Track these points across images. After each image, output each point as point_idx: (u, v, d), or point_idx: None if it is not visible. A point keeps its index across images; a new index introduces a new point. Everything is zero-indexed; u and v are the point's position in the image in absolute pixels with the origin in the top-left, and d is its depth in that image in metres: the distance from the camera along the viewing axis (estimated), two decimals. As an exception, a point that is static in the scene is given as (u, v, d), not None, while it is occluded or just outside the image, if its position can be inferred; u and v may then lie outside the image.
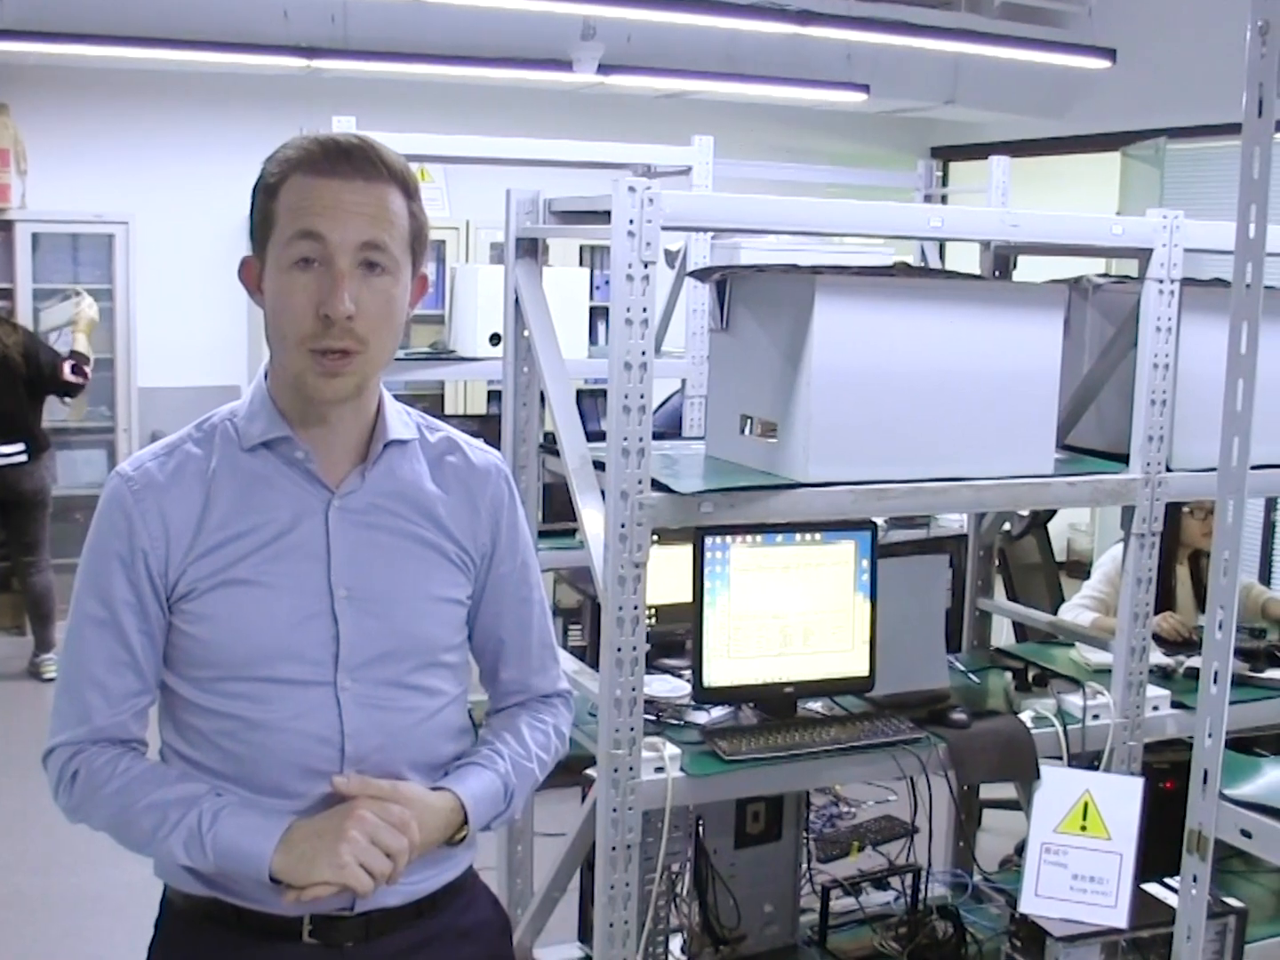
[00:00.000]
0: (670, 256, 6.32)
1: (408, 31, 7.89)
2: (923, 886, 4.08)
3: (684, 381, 6.28)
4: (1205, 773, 2.33)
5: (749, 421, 3.54)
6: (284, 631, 2.04)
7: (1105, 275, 4.31)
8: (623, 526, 3.11)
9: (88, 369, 7.56)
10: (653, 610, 3.91)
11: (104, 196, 8.39)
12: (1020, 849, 4.33)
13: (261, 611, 2.04)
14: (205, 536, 2.03)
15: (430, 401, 8.87)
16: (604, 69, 8.08)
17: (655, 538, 3.19)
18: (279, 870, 1.96)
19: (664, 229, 3.07)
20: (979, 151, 8.40)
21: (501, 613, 2.28)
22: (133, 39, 7.36)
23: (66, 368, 7.40)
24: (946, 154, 10.41)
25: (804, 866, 4.12)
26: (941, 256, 7.15)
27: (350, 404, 2.07)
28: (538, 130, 6.87)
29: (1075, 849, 3.53)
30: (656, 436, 3.16)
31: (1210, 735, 2.29)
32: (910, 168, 7.79)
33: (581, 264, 8.78)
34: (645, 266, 3.06)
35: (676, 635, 3.96)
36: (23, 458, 7.39)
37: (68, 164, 8.34)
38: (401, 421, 2.18)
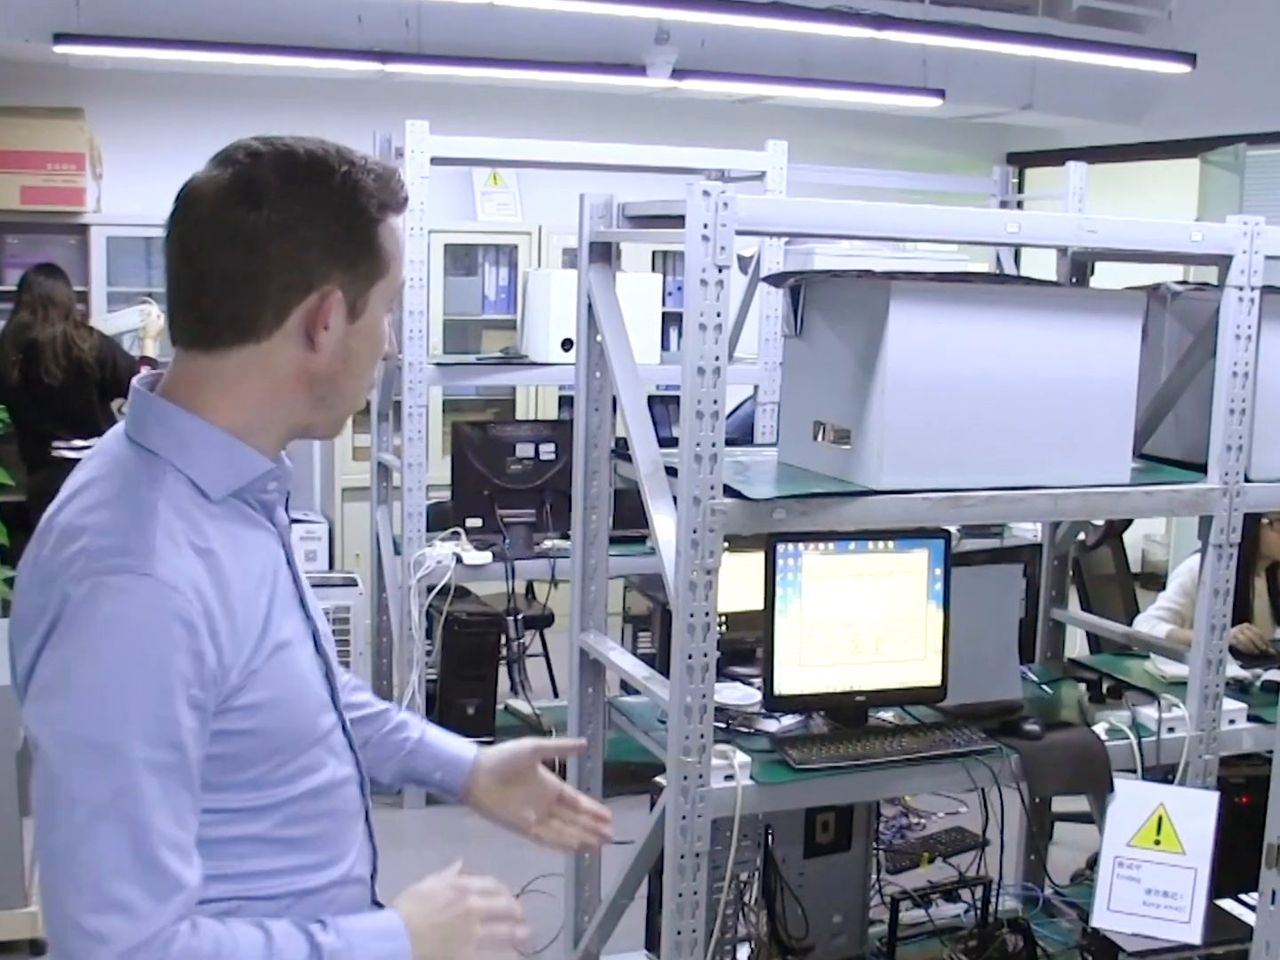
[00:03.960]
0: (743, 262, 6.31)
1: (481, 36, 7.90)
2: (993, 899, 4.04)
3: (756, 388, 6.28)
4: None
5: (822, 428, 3.52)
6: (312, 682, 1.85)
7: (1183, 282, 4.26)
8: (695, 532, 3.10)
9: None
10: (723, 617, 3.90)
11: (178, 200, 8.44)
12: (1092, 863, 4.29)
13: (299, 670, 1.82)
14: (237, 609, 1.71)
15: (502, 407, 8.88)
16: (678, 73, 8.06)
17: (726, 545, 3.17)
18: None
19: (738, 234, 3.05)
20: (1055, 158, 8.33)
21: None
22: (207, 43, 7.40)
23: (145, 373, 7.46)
24: (1022, 160, 10.32)
25: (873, 877, 4.10)
26: (1017, 264, 7.10)
27: None
28: (611, 135, 6.88)
29: (1149, 863, 3.49)
30: (728, 443, 3.15)
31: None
32: (986, 174, 7.75)
33: (654, 270, 8.78)
34: (719, 271, 3.04)
35: (746, 643, 3.95)
36: None
37: (142, 168, 8.36)
38: None
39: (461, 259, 8.79)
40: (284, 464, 1.87)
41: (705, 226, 3.01)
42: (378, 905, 1.98)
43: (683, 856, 3.21)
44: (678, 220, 3.12)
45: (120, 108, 8.32)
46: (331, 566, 7.92)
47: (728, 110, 9.23)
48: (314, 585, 1.95)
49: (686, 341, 3.09)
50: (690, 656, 3.14)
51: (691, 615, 3.13)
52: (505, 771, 2.25)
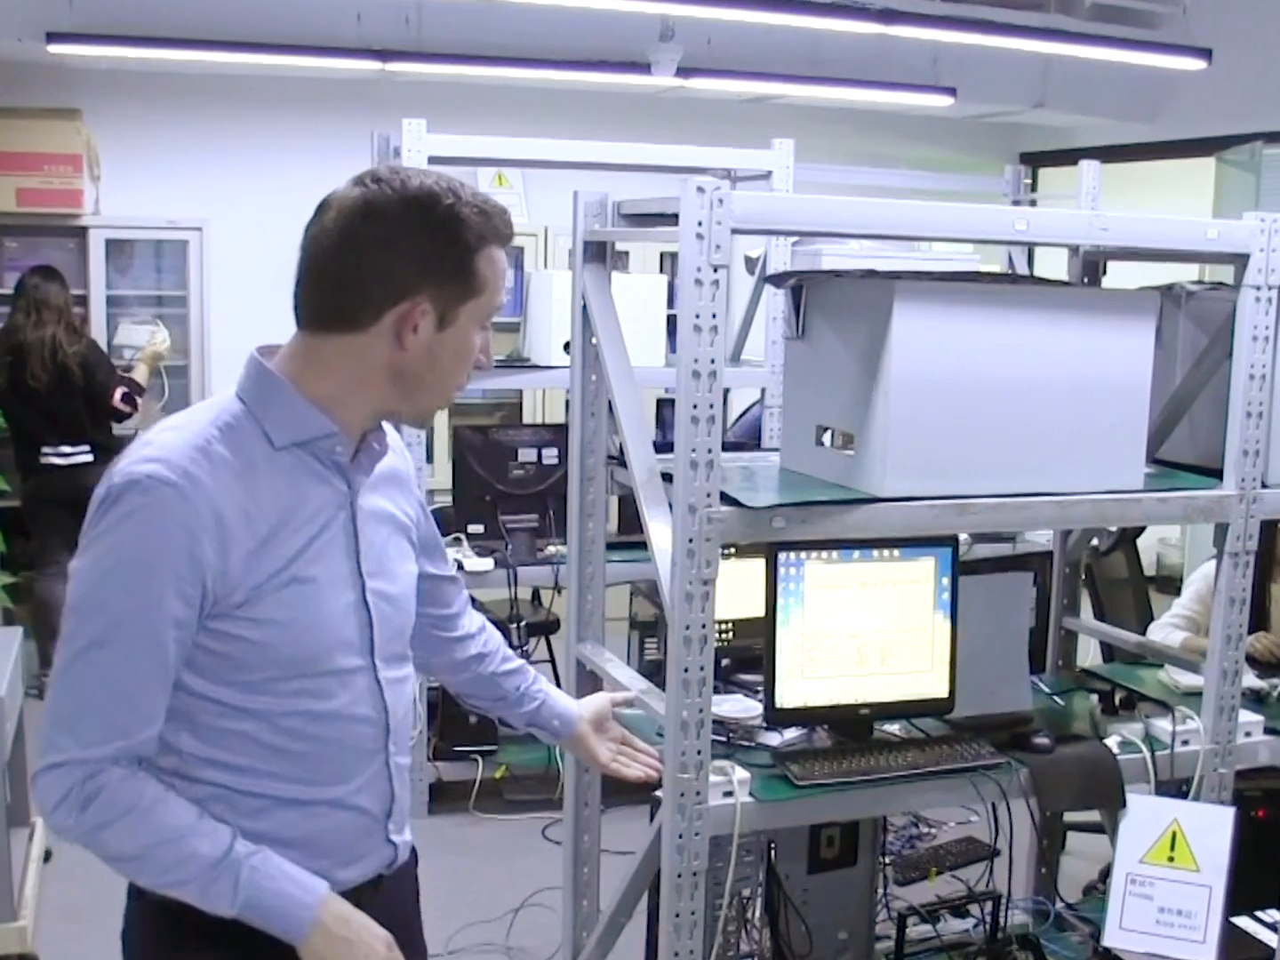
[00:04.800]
0: (750, 263, 6.24)
1: (483, 33, 7.83)
2: (1002, 914, 3.96)
3: (763, 391, 6.20)
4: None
5: (825, 433, 3.43)
6: (338, 624, 2.16)
7: (1199, 282, 4.17)
8: (690, 542, 3.01)
9: (139, 401, 7.54)
10: (730, 625, 3.83)
11: (178, 202, 8.38)
12: (1105, 874, 4.21)
13: (320, 608, 2.12)
14: (259, 539, 2.05)
15: (508, 410, 8.81)
16: (683, 72, 7.99)
17: (733, 550, 3.08)
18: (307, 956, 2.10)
19: (734, 232, 2.96)
20: (1069, 157, 8.24)
21: None
22: (206, 42, 7.36)
23: (118, 394, 7.38)
24: (1035, 159, 10.24)
25: (880, 891, 4.01)
26: (1030, 265, 7.02)
27: None
28: (616, 134, 6.80)
29: (1162, 880, 3.40)
30: (736, 447, 3.06)
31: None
32: (998, 173, 7.65)
33: (661, 271, 8.70)
34: (715, 270, 2.95)
35: (754, 651, 3.86)
36: (89, 457, 7.36)
37: (141, 169, 8.34)
38: None
39: (466, 260, 8.72)
40: (382, 441, 2.23)
41: (700, 224, 2.92)
42: (390, 844, 2.31)
43: (680, 875, 3.12)
44: (674, 219, 3.02)
45: (117, 108, 8.27)
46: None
47: (734, 109, 9.16)
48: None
49: (682, 344, 2.98)
50: (686, 670, 3.05)
51: (688, 627, 3.03)
52: (597, 719, 2.85)
